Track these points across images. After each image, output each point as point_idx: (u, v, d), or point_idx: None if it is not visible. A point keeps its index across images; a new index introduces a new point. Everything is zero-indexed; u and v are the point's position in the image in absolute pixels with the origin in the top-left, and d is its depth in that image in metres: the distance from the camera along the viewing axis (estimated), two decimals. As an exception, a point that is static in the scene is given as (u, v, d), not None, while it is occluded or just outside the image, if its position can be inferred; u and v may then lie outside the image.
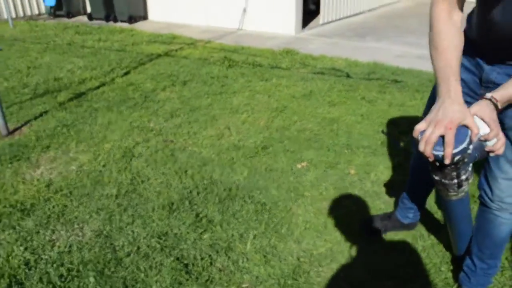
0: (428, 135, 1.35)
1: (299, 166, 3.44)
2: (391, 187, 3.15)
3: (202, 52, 7.08)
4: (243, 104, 4.75)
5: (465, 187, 1.54)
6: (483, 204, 2.03)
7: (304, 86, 5.25)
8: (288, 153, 3.64)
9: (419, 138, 1.37)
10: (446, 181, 1.50)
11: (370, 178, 3.27)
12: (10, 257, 2.55)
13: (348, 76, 5.70)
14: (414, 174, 2.51)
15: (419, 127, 1.40)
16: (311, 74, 5.80)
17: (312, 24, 9.29)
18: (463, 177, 1.49)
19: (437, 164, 1.43)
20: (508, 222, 2.00)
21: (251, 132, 4.05)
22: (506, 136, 1.68)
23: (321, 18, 9.17)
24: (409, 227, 2.67)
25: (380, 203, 2.98)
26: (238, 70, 5.99)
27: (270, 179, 3.26)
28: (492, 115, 1.42)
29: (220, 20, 9.30)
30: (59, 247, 2.63)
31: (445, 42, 1.51)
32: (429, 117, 1.39)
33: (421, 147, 1.36)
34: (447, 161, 1.33)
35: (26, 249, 2.62)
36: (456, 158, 1.33)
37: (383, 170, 3.37)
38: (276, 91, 5.13)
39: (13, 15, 10.70)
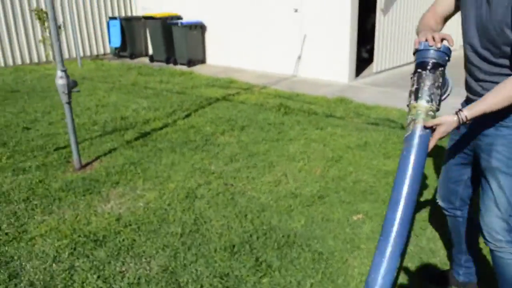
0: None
1: (355, 217, 3.54)
2: (447, 245, 3.19)
3: (258, 98, 7.37)
4: (299, 152, 4.92)
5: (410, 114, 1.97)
6: (491, 249, 2.20)
7: (359, 136, 5.37)
8: (344, 204, 3.75)
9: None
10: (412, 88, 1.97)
11: (426, 234, 3.32)
12: (84, 284, 2.77)
13: (402, 127, 5.79)
14: (454, 230, 2.61)
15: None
16: (365, 124, 5.93)
17: (365, 72, 9.47)
18: (415, 87, 1.95)
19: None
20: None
21: (308, 181, 4.20)
22: (485, 177, 2.11)
23: (375, 66, 9.34)
24: (466, 286, 2.69)
25: (436, 261, 3.02)
26: (293, 117, 6.20)
27: (327, 229, 3.37)
28: (448, 131, 1.91)
29: (275, 66, 9.65)
30: (128, 278, 2.83)
31: (426, 19, 2.25)
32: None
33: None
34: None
35: (99, 277, 2.83)
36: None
37: (439, 226, 3.42)
38: (331, 140, 5.28)
39: (81, 54, 11.48)
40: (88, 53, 12.59)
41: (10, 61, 11.42)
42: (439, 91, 1.94)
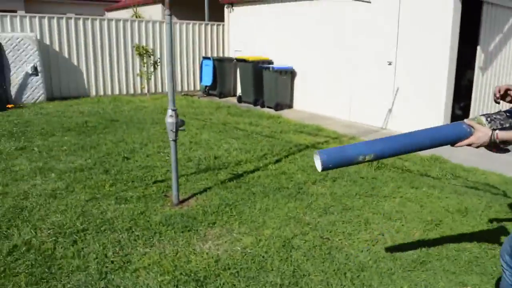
0: None
1: (463, 290, 3.33)
2: None
3: (347, 148, 7.29)
4: (395, 211, 4.76)
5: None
6: None
7: (458, 200, 5.12)
8: (449, 274, 3.55)
9: None
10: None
11: None
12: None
13: (505, 195, 5.46)
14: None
15: None
16: (464, 187, 5.66)
17: (457, 132, 9.13)
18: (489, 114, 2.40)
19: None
20: None
21: (407, 243, 4.03)
22: None
23: (469, 126, 9.00)
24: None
25: None
26: (386, 172, 6.06)
27: (433, 299, 3.19)
28: (480, 141, 2.26)
29: (364, 116, 9.57)
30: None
31: None
32: None
33: None
34: None
35: (201, 322, 2.84)
36: None
37: None
38: (428, 201, 5.07)
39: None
40: (179, 89, 13.22)
41: (109, 91, 12.26)
42: (502, 124, 2.29)
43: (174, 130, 4.47)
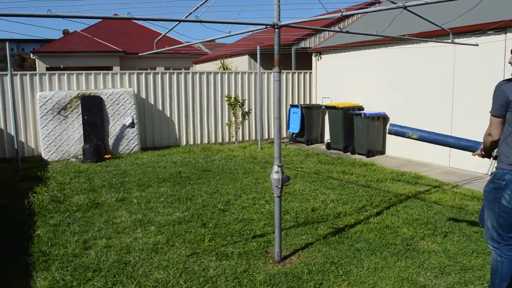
0: None
1: None
2: None
3: (454, 199, 6.72)
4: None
5: None
6: None
7: None
8: None
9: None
10: None
11: None
12: None
13: None
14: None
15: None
16: None
17: None
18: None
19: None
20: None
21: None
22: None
23: None
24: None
25: None
26: (504, 227, 5.43)
27: None
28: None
29: (466, 162, 8.87)
30: None
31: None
32: None
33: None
34: None
35: None
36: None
37: None
38: None
39: (260, 138, 12.10)
40: (266, 136, 13.25)
41: (198, 140, 12.57)
42: None
43: (280, 186, 4.30)
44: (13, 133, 10.12)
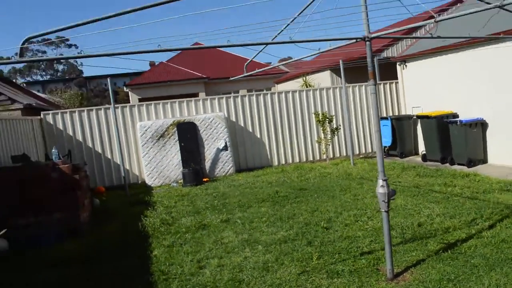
0: None
1: None
2: None
3: None
4: None
5: None
6: None
7: None
8: None
9: None
10: None
11: None
12: None
13: None
14: None
15: None
16: None
17: None
18: None
19: None
20: None
21: None
22: None
23: None
24: None
25: None
26: None
27: None
28: None
29: None
30: None
31: None
32: None
33: None
34: None
35: None
36: None
37: None
38: None
39: (351, 153, 11.97)
40: (356, 151, 13.11)
41: (290, 159, 12.72)
42: None
43: (386, 200, 4.28)
44: (119, 162, 10.93)
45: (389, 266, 4.41)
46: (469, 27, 8.73)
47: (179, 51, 29.90)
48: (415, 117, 11.96)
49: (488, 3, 4.79)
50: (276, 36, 6.43)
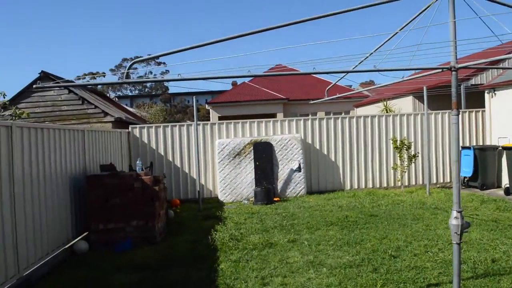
0: None
1: None
2: None
3: None
4: None
5: None
6: None
7: None
8: None
9: None
10: None
11: None
12: None
13: None
14: None
15: None
16: None
17: None
18: None
19: None
20: None
21: None
22: None
23: None
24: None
25: None
26: None
27: None
28: None
29: None
30: None
31: None
32: None
33: None
34: None
35: None
36: None
37: None
38: None
39: (428, 182, 11.55)
40: (434, 181, 12.65)
41: (363, 184, 12.56)
42: None
43: (459, 233, 4.18)
44: (195, 177, 11.42)
45: (456, 302, 4.28)
46: None
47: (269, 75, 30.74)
48: (500, 148, 11.35)
49: None
50: (359, 63, 6.50)
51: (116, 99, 35.47)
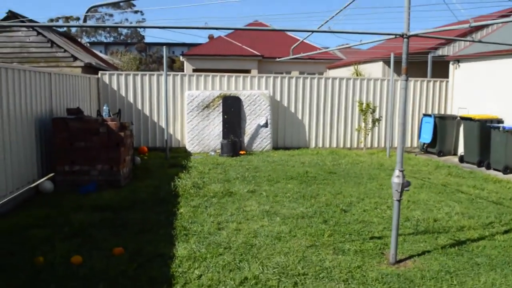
0: None
1: None
2: None
3: None
4: None
5: None
6: None
7: None
8: None
9: None
10: None
11: None
12: None
13: None
14: None
15: None
16: None
17: None
18: None
19: None
20: None
21: None
22: None
23: None
24: None
25: None
26: None
27: None
28: None
29: None
30: None
31: None
32: None
33: None
34: None
35: None
36: None
37: None
38: None
39: (389, 145, 12.00)
40: (395, 144, 13.11)
41: (327, 144, 12.93)
42: None
43: (400, 190, 4.51)
44: (164, 126, 11.53)
45: (393, 251, 4.66)
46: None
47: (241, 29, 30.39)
48: (459, 118, 11.82)
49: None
50: (321, 25, 6.67)
51: (88, 44, 34.52)
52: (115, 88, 12.07)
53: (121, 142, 7.90)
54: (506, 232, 5.72)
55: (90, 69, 13.63)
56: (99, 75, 12.04)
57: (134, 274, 4.21)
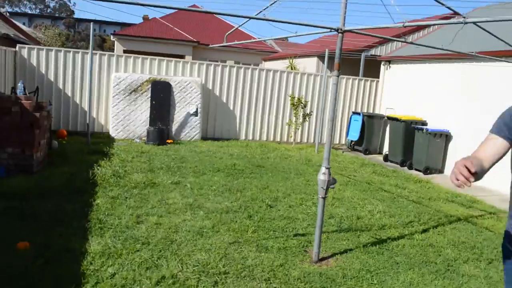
0: None
1: None
2: None
3: (507, 228, 6.50)
4: None
5: None
6: None
7: None
8: None
9: None
10: None
11: None
12: None
13: None
14: None
15: None
16: None
17: None
18: None
19: None
20: None
21: None
22: None
23: None
24: None
25: None
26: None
27: None
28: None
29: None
30: None
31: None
32: None
33: None
34: None
35: None
36: None
37: None
38: None
39: (318, 141, 12.12)
40: (324, 141, 13.28)
41: (257, 136, 12.83)
42: None
43: (325, 187, 4.42)
44: (86, 109, 10.83)
45: (316, 250, 4.58)
46: (454, 43, 8.87)
47: (176, 10, 29.49)
48: (386, 117, 12.16)
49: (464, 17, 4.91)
50: (258, 13, 6.45)
51: (8, 14, 32.04)
52: (34, 64, 11.16)
53: (36, 124, 7.25)
54: (424, 231, 5.87)
55: (6, 40, 12.55)
56: (17, 48, 11.08)
57: (39, 271, 3.80)
